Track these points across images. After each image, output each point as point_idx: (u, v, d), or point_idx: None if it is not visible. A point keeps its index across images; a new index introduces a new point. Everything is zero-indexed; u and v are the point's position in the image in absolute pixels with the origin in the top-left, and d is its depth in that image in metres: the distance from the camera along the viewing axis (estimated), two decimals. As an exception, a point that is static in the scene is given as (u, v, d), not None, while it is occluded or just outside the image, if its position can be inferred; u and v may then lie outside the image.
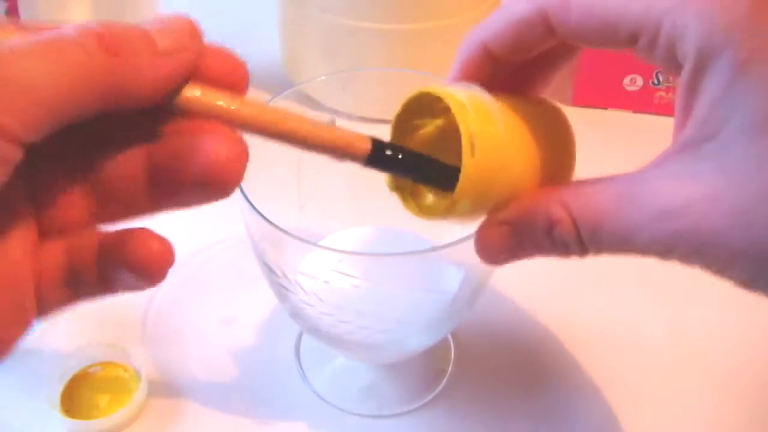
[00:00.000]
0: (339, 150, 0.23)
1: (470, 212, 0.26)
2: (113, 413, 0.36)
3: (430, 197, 0.27)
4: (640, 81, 0.57)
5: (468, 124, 0.24)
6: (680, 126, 0.24)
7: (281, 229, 0.30)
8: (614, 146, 0.54)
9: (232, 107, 0.21)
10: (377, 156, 0.23)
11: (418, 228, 0.40)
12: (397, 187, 0.27)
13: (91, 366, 0.39)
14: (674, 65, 0.23)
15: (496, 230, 0.26)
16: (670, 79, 0.56)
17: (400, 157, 0.24)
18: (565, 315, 0.43)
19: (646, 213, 0.23)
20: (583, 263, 0.47)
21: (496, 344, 0.42)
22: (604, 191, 0.24)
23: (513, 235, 0.26)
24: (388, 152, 0.24)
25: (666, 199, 0.22)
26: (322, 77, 0.39)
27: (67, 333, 0.41)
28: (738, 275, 0.22)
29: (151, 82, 0.20)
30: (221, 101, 0.21)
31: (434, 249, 0.31)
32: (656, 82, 0.57)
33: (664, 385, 0.40)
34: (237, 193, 0.31)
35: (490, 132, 0.24)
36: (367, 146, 0.23)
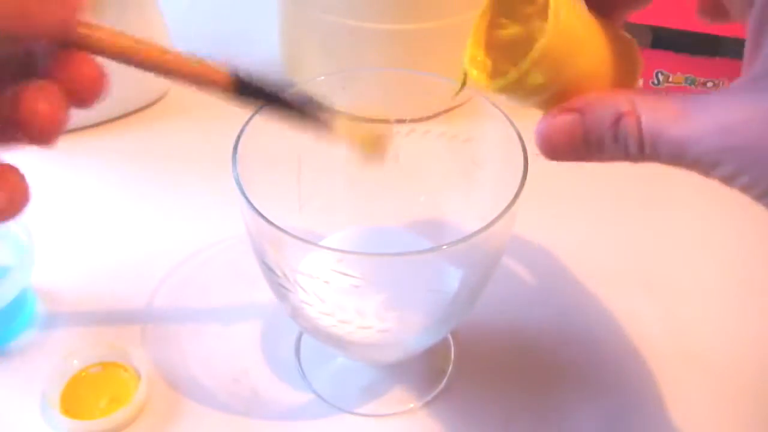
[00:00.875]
0: (202, 81, 0.25)
1: (539, 87, 0.26)
2: (113, 413, 0.36)
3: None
4: (640, 81, 0.57)
5: None
6: (749, 60, 0.24)
7: (281, 229, 0.30)
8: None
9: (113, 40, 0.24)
10: (241, 88, 0.26)
11: (418, 228, 0.40)
12: (469, 59, 0.28)
13: (91, 366, 0.39)
14: None
15: (563, 117, 0.26)
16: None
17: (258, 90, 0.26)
18: (564, 314, 0.44)
19: (706, 125, 0.23)
20: (583, 263, 0.47)
21: (496, 344, 0.42)
22: (671, 99, 0.25)
23: (580, 123, 0.26)
24: (247, 90, 0.26)
25: (727, 116, 0.23)
26: (322, 77, 0.39)
27: (67, 333, 0.41)
28: None
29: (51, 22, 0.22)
30: (101, 34, 0.23)
31: (434, 249, 0.31)
32: (656, 82, 0.57)
33: (664, 384, 0.40)
34: (237, 193, 0.31)
35: (575, 12, 0.25)
36: (228, 78, 0.25)
